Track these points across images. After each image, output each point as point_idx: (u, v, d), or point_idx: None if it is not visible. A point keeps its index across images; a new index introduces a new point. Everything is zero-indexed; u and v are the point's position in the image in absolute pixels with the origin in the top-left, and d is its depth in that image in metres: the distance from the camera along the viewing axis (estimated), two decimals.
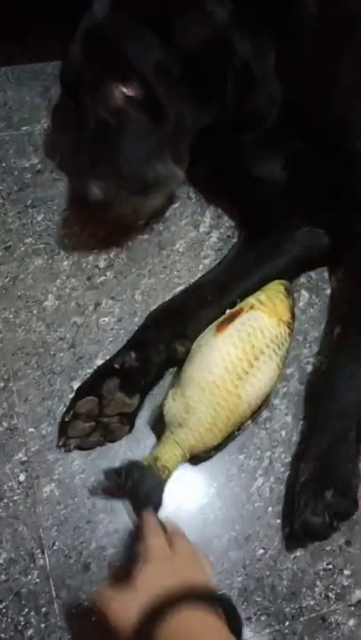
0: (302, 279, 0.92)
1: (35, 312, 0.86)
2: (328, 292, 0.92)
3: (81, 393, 0.80)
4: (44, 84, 1.02)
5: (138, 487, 0.72)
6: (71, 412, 0.78)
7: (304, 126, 0.84)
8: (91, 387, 0.79)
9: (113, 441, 0.79)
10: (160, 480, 0.73)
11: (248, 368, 0.77)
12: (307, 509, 0.73)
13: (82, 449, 0.79)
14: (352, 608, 0.75)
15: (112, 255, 0.91)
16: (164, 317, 0.85)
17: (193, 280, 0.90)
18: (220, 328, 0.80)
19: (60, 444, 0.78)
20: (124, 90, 0.80)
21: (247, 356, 0.78)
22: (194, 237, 0.93)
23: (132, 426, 0.80)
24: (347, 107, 0.85)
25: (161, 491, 0.74)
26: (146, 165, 0.82)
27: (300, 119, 0.84)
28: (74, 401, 0.79)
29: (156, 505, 0.73)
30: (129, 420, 0.79)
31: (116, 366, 0.80)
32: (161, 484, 0.74)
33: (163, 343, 0.82)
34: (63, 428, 0.79)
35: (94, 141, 0.82)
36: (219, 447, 0.78)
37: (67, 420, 0.78)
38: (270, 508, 0.78)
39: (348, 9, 0.85)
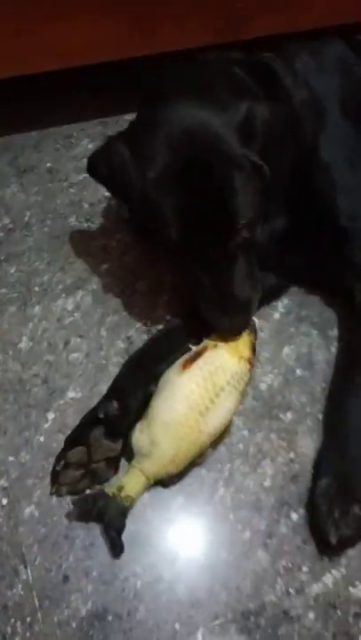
0: None
1: (10, 353, 0.97)
2: (276, 316, 1.03)
3: (69, 443, 0.88)
4: (12, 154, 1.19)
5: (102, 514, 0.82)
6: (62, 462, 0.86)
7: (295, 206, 0.95)
8: (78, 437, 0.88)
9: (101, 484, 0.87)
10: (123, 508, 0.82)
11: (209, 404, 0.87)
12: (341, 524, 0.81)
13: (72, 494, 0.86)
14: (311, 602, 0.82)
15: (78, 298, 1.03)
16: (139, 365, 0.95)
17: (153, 316, 1.02)
18: (185, 365, 0.89)
19: (53, 491, 0.87)
20: (245, 235, 0.87)
21: (209, 393, 0.87)
22: (153, 278, 1.06)
23: (117, 468, 0.88)
24: (328, 188, 0.97)
25: (123, 517, 0.83)
26: (254, 287, 0.92)
27: (292, 197, 0.95)
28: (63, 451, 0.87)
29: (118, 529, 0.82)
30: (114, 462, 0.88)
31: (101, 416, 0.89)
32: (124, 511, 0.83)
33: (139, 389, 0.92)
34: (55, 477, 0.87)
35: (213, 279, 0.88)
36: (181, 474, 0.87)
37: (58, 469, 0.87)
38: (232, 515, 0.86)
39: (317, 94, 0.98)
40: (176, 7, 1.05)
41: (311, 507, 0.86)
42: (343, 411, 0.89)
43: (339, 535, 0.82)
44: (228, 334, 0.90)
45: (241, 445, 0.92)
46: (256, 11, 1.01)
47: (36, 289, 1.04)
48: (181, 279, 0.95)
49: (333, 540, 0.82)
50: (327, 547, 0.83)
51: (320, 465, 0.88)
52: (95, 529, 0.84)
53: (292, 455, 0.90)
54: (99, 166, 0.94)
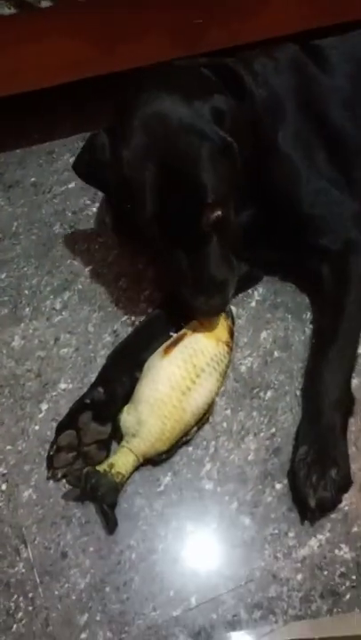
0: None
1: (4, 352, 1.05)
2: (252, 304, 1.11)
3: (60, 429, 0.95)
4: None
5: (95, 490, 0.87)
6: (54, 447, 0.93)
7: (261, 196, 1.02)
8: (68, 422, 0.95)
9: (94, 465, 0.92)
10: (114, 484, 0.88)
11: (191, 385, 0.93)
12: (319, 487, 0.87)
13: (67, 477, 0.92)
14: (299, 565, 0.87)
15: (66, 298, 1.11)
16: (122, 355, 1.02)
17: (136, 309, 1.09)
18: (166, 351, 0.96)
19: (49, 475, 0.93)
20: (217, 214, 0.92)
21: (190, 374, 0.94)
22: (133, 274, 1.14)
23: (108, 450, 0.94)
24: (287, 177, 1.04)
25: (115, 492, 0.89)
26: (230, 269, 0.97)
27: (255, 190, 1.02)
28: (55, 437, 0.94)
29: (111, 504, 0.88)
30: (105, 445, 0.94)
31: (87, 401, 0.96)
32: (115, 486, 0.88)
33: (124, 375, 0.98)
34: (49, 462, 0.93)
35: (185, 260, 0.93)
36: (169, 452, 0.93)
37: (51, 453, 0.93)
38: (219, 488, 0.92)
39: (275, 92, 1.07)
40: (138, 26, 1.14)
41: (291, 474, 0.91)
42: (318, 384, 0.95)
43: (317, 498, 0.87)
44: (206, 315, 0.96)
45: (225, 424, 0.98)
46: (212, 24, 1.09)
47: (26, 292, 1.12)
48: (160, 266, 1.01)
49: (312, 503, 0.88)
50: (308, 511, 0.88)
51: (298, 435, 0.94)
52: (90, 507, 0.90)
53: (273, 430, 0.96)
54: (81, 157, 1.03)
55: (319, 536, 0.88)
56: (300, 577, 0.86)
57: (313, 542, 0.88)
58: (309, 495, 0.87)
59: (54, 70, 1.18)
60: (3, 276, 1.14)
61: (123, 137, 0.93)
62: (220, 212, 0.93)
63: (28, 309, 1.10)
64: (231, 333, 1.01)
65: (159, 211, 0.91)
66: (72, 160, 1.30)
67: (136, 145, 0.92)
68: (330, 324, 1.00)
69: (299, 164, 1.05)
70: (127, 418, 0.92)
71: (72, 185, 1.28)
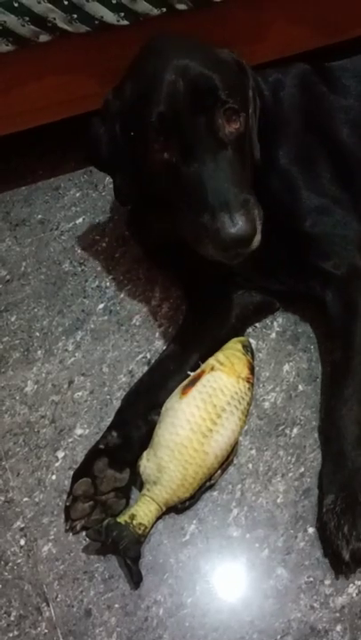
0: (248, 329, 1.10)
1: (17, 398, 1.04)
2: (272, 336, 1.09)
3: (75, 477, 0.93)
4: (4, 209, 1.29)
5: (117, 544, 0.86)
6: (70, 497, 0.92)
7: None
8: (83, 470, 0.94)
9: (113, 515, 0.91)
10: (137, 536, 0.87)
11: (212, 426, 0.92)
12: (351, 538, 0.85)
13: (87, 529, 0.91)
14: (337, 614, 0.85)
15: (78, 338, 1.11)
16: (136, 396, 1.01)
17: (151, 347, 1.09)
18: (184, 391, 0.95)
19: (68, 527, 0.92)
20: (235, 126, 0.93)
21: (210, 415, 0.93)
22: (147, 311, 1.13)
23: (127, 499, 0.93)
24: (288, 195, 1.04)
25: (138, 545, 0.87)
26: (252, 195, 0.92)
27: None
28: (71, 486, 0.93)
29: (135, 558, 0.86)
30: (124, 493, 0.92)
31: (102, 447, 0.95)
32: (138, 538, 0.87)
33: (140, 418, 0.97)
34: (67, 513, 0.92)
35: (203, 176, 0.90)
36: (193, 498, 0.92)
37: (68, 504, 0.92)
38: (248, 535, 0.90)
39: (284, 106, 1.10)
40: None
41: (320, 526, 0.89)
42: (337, 423, 0.93)
43: (351, 550, 0.85)
44: (232, 246, 0.87)
45: (250, 465, 0.96)
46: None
47: (37, 334, 1.12)
48: (177, 202, 0.94)
49: (346, 555, 0.85)
50: (342, 564, 0.85)
51: (323, 483, 0.91)
52: (113, 561, 0.89)
53: (302, 469, 0.95)
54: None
55: (358, 582, 0.86)
56: (339, 628, 0.83)
57: (351, 589, 0.85)
58: (343, 548, 0.85)
59: (56, 106, 1.19)
60: (13, 318, 1.14)
61: (129, 74, 0.98)
62: (238, 125, 0.92)
63: (40, 352, 1.09)
64: (251, 368, 1.00)
65: (172, 115, 0.90)
66: (78, 195, 1.36)
67: (148, 65, 0.95)
68: (342, 357, 0.98)
69: (299, 180, 1.04)
70: (147, 464, 0.91)
71: (80, 220, 1.29)
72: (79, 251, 1.25)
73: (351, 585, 0.85)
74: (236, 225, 0.86)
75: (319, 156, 1.07)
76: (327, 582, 0.87)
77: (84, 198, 1.33)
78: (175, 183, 0.92)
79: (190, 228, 0.91)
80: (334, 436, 0.92)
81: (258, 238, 0.90)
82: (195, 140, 0.90)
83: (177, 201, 0.93)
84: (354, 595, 0.85)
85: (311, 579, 0.87)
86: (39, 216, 1.31)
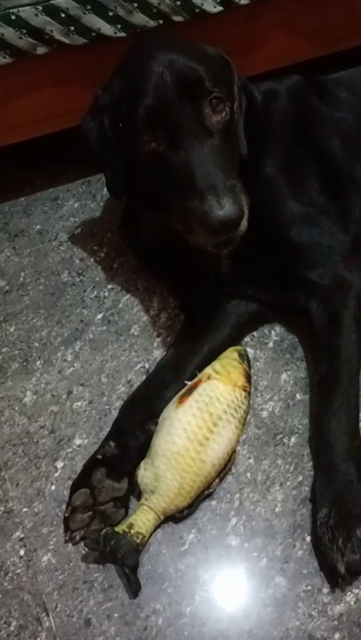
0: (247, 338, 1.13)
1: (16, 408, 1.06)
2: (270, 345, 1.12)
3: (74, 488, 0.95)
4: (3, 220, 1.32)
5: (115, 553, 0.88)
6: (69, 508, 0.94)
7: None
8: (81, 480, 0.96)
9: (113, 525, 0.92)
10: (135, 545, 0.88)
11: (208, 434, 0.94)
12: (346, 550, 0.86)
13: (85, 539, 0.92)
14: (335, 622, 0.86)
15: (77, 348, 1.13)
16: (133, 406, 1.03)
17: (150, 357, 1.11)
18: (181, 400, 0.97)
19: (67, 538, 0.93)
20: (221, 115, 0.97)
21: (206, 423, 0.95)
22: (146, 321, 1.16)
23: (126, 508, 0.94)
24: (274, 204, 1.07)
25: (136, 554, 0.89)
26: (239, 181, 0.95)
27: None
28: (70, 497, 0.95)
29: (133, 567, 0.88)
30: (122, 503, 0.94)
31: (99, 457, 0.97)
32: (136, 547, 0.89)
33: (137, 428, 0.99)
34: (66, 524, 0.94)
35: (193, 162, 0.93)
36: (191, 507, 0.94)
37: (67, 515, 0.94)
38: (246, 544, 0.92)
39: (274, 116, 1.13)
40: None
41: (315, 540, 0.90)
42: (326, 437, 0.95)
43: (346, 562, 0.86)
44: (220, 229, 0.90)
45: (248, 474, 0.98)
46: None
47: (36, 344, 1.14)
48: (166, 189, 0.96)
49: (342, 568, 0.86)
50: (338, 577, 0.86)
51: (315, 496, 0.93)
52: (113, 571, 0.91)
53: (300, 478, 0.96)
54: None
55: (356, 590, 0.87)
56: (337, 636, 0.85)
57: (349, 597, 0.87)
58: (338, 560, 0.86)
59: (54, 118, 1.22)
60: (12, 329, 1.16)
61: (118, 70, 1.02)
62: (224, 114, 0.96)
63: (38, 362, 1.12)
64: (248, 377, 1.02)
65: (159, 105, 0.93)
66: (77, 206, 1.39)
67: (135, 59, 0.99)
68: (329, 370, 1.00)
69: (285, 189, 1.07)
70: (144, 474, 0.93)
71: (78, 231, 1.32)
72: (78, 261, 1.28)
73: (349, 593, 0.87)
74: (223, 207, 0.89)
75: (308, 167, 1.09)
76: (325, 591, 0.89)
77: (82, 209, 1.36)
78: (164, 172, 0.95)
79: (180, 216, 0.95)
80: (324, 449, 0.94)
81: (245, 224, 0.93)
82: (182, 129, 0.93)
83: (166, 190, 0.96)
84: (352, 603, 0.86)
85: (309, 587, 0.89)
86: (38, 226, 1.34)
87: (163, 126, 0.94)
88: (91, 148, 1.06)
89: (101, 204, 1.35)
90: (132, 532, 0.88)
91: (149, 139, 0.95)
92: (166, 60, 0.95)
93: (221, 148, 0.95)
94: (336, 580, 0.87)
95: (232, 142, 1.00)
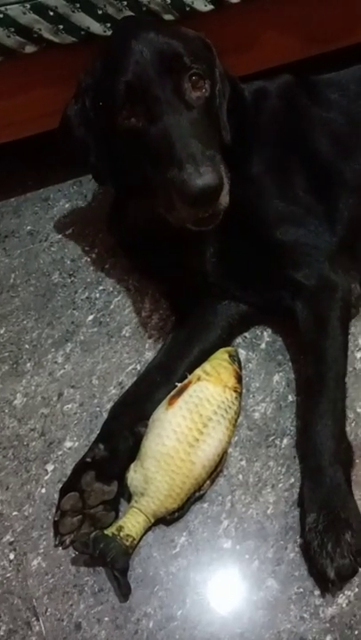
0: (238, 339, 1.13)
1: (6, 411, 1.07)
2: (262, 346, 1.12)
3: (63, 491, 0.95)
4: None
5: (104, 555, 0.88)
6: (58, 512, 0.94)
7: (231, 223, 1.01)
8: (70, 483, 0.96)
9: (103, 528, 0.93)
10: (124, 548, 0.89)
11: (198, 435, 0.95)
12: (336, 555, 0.87)
13: (75, 543, 0.93)
14: (327, 625, 0.87)
15: (68, 350, 1.14)
16: (123, 408, 1.04)
17: (141, 359, 1.11)
18: (170, 402, 0.98)
19: (57, 542, 0.94)
20: (201, 91, 0.99)
21: (196, 425, 0.95)
22: (137, 322, 1.17)
23: (116, 511, 0.95)
24: (260, 202, 1.08)
25: (126, 557, 0.89)
26: (219, 154, 0.96)
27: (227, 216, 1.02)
28: (59, 501, 0.95)
29: (122, 570, 0.89)
30: (112, 506, 0.95)
31: (89, 460, 0.97)
32: (126, 550, 0.89)
33: (126, 430, 1.00)
34: (55, 528, 0.94)
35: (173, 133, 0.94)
36: (182, 509, 0.94)
37: (56, 519, 0.94)
38: (238, 546, 0.93)
39: (263, 114, 1.14)
40: None
41: (304, 545, 0.91)
42: (313, 440, 0.95)
43: (335, 567, 0.87)
44: (199, 199, 0.90)
45: (240, 476, 0.99)
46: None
47: (27, 346, 1.15)
48: (148, 162, 0.97)
49: (331, 573, 0.87)
50: (328, 582, 0.87)
51: (303, 502, 0.93)
52: (103, 574, 0.91)
53: (292, 480, 0.97)
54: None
55: (347, 592, 0.88)
56: (329, 638, 0.86)
57: (341, 600, 0.87)
58: (327, 566, 0.87)
59: (44, 117, 1.20)
60: (2, 330, 1.17)
61: (100, 52, 1.03)
62: (203, 91, 0.98)
63: (29, 364, 1.12)
64: (238, 378, 1.02)
65: (139, 81, 0.95)
66: (68, 206, 1.39)
67: (116, 41, 1.01)
68: (315, 372, 1.01)
69: (272, 188, 1.08)
70: (134, 476, 0.94)
71: (70, 231, 1.33)
72: (69, 262, 1.28)
73: (341, 595, 0.88)
74: (202, 175, 0.89)
75: (296, 167, 1.10)
76: (317, 593, 0.89)
77: (73, 209, 1.37)
78: (144, 147, 0.96)
79: (161, 192, 0.95)
80: (311, 453, 0.95)
81: (226, 199, 0.93)
82: (161, 102, 0.95)
83: (147, 166, 0.96)
84: (344, 605, 0.87)
85: (301, 589, 0.89)
86: (28, 227, 1.35)
87: (142, 101, 0.96)
88: (73, 136, 1.07)
89: (93, 204, 1.36)
90: (122, 534, 0.89)
91: (129, 114, 0.96)
92: (146, 39, 0.98)
93: (201, 122, 0.97)
94: (326, 586, 0.88)
95: (212, 120, 1.01)
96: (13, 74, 1.17)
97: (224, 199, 0.92)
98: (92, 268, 1.26)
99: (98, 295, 1.22)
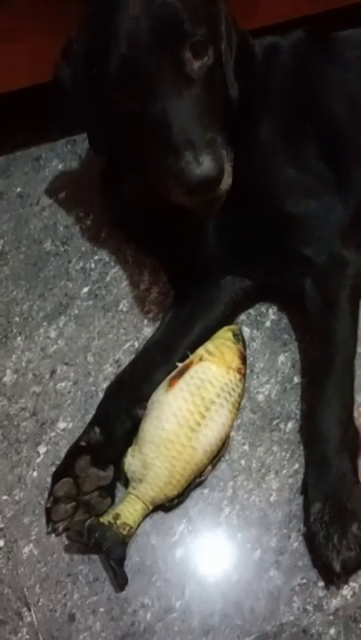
0: (242, 316, 1.08)
1: None
2: (267, 324, 1.08)
3: (56, 477, 0.92)
4: None
5: (100, 545, 0.85)
6: (51, 498, 0.91)
7: (236, 193, 0.95)
8: (63, 468, 0.93)
9: (98, 515, 0.89)
10: (121, 536, 0.86)
11: (200, 419, 0.91)
12: (342, 547, 0.84)
13: (68, 531, 0.90)
14: (331, 617, 0.85)
15: (61, 324, 1.08)
16: (119, 388, 1.00)
17: (139, 335, 1.06)
18: (171, 383, 0.94)
19: (49, 530, 0.91)
20: (203, 60, 0.90)
21: (198, 408, 0.92)
22: (135, 296, 1.11)
23: (112, 497, 0.92)
24: (268, 170, 1.01)
25: (123, 546, 0.86)
26: (221, 135, 0.90)
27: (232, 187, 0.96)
28: (52, 487, 0.92)
29: (119, 560, 0.86)
30: (108, 492, 0.91)
31: (83, 444, 0.93)
32: (122, 539, 0.86)
33: (123, 412, 0.96)
34: (48, 515, 0.91)
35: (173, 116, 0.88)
36: (181, 496, 0.91)
37: (49, 506, 0.91)
38: (240, 535, 0.90)
39: (275, 73, 1.06)
40: None
41: (308, 536, 0.88)
42: (319, 427, 0.92)
43: (342, 560, 0.84)
44: (197, 188, 0.85)
45: (243, 461, 0.95)
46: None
47: (17, 319, 1.09)
48: (144, 145, 0.91)
49: (337, 566, 0.84)
50: (333, 575, 0.85)
51: (307, 490, 0.90)
52: (98, 563, 0.88)
53: (296, 466, 0.94)
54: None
55: (352, 584, 0.86)
56: (333, 631, 0.84)
57: (346, 591, 0.86)
58: (333, 559, 0.85)
59: (35, 70, 1.12)
60: None
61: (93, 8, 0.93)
62: (206, 58, 0.90)
63: (19, 339, 1.07)
64: (243, 358, 0.98)
65: (134, 55, 0.87)
66: (61, 167, 1.31)
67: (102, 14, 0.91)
68: (322, 355, 0.97)
69: (282, 155, 1.01)
70: (132, 461, 0.90)
71: (62, 195, 1.25)
72: (62, 229, 1.22)
73: (346, 587, 0.86)
74: (200, 164, 0.84)
75: (307, 131, 1.03)
76: (321, 584, 0.87)
77: (66, 170, 1.29)
78: (140, 128, 0.90)
79: (157, 174, 0.89)
80: (317, 440, 0.92)
81: (228, 182, 0.88)
82: (158, 79, 0.87)
83: (144, 145, 0.90)
84: (348, 597, 0.85)
85: (305, 580, 0.87)
86: (18, 189, 1.27)
87: (137, 77, 0.88)
88: (67, 100, 0.99)
89: (88, 165, 1.28)
90: (119, 522, 0.86)
91: (123, 92, 0.89)
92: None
93: (203, 97, 0.89)
94: (331, 578, 0.85)
95: (217, 88, 0.94)
96: (4, 18, 1.08)
97: (226, 183, 0.87)
98: (86, 236, 1.20)
99: (93, 266, 1.16)
